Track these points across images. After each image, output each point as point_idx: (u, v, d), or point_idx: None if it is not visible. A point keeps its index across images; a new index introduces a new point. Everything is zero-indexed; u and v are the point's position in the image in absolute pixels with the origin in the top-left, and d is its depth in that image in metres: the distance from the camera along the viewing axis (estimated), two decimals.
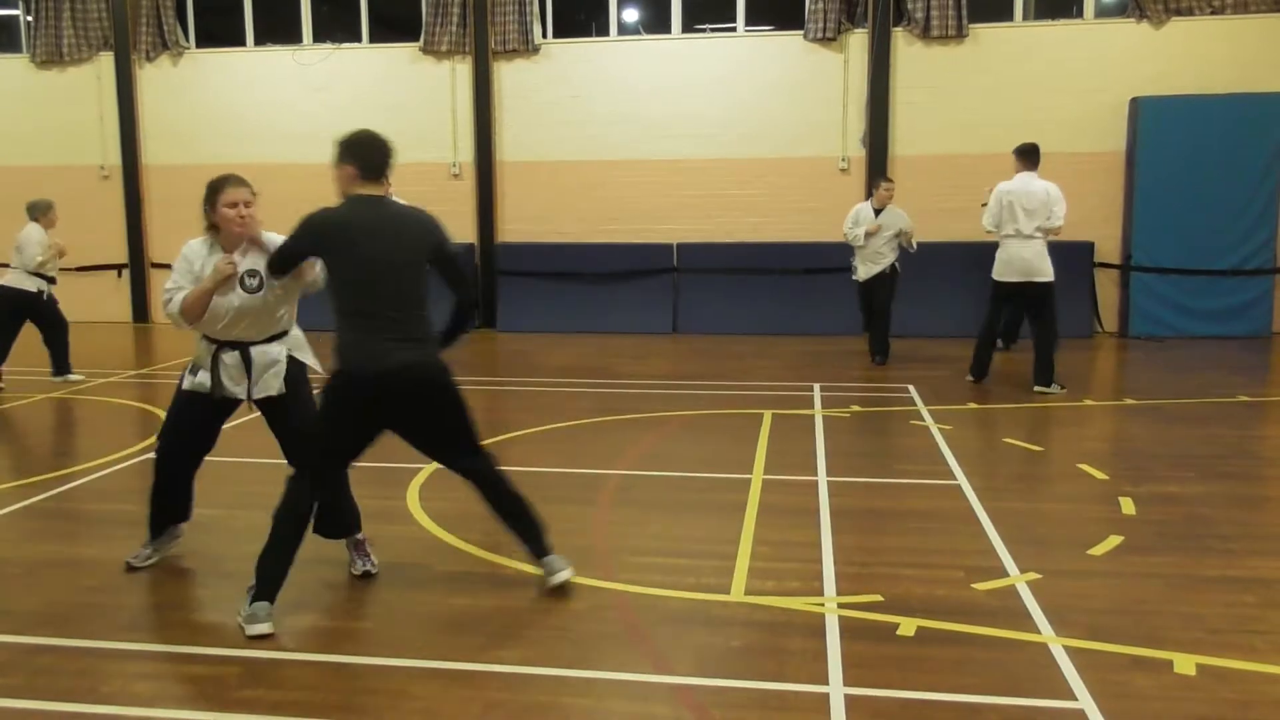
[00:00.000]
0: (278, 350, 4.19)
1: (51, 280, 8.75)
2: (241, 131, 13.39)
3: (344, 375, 3.77)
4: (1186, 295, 11.33)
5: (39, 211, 8.67)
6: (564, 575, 4.06)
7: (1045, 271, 8.11)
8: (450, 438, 4.06)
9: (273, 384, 4.18)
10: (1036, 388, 8.14)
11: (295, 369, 4.24)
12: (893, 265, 9.68)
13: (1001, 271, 8.29)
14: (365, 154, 3.83)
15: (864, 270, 9.71)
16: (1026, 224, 8.09)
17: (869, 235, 9.50)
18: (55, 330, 8.85)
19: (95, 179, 13.80)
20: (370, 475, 6.08)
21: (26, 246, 8.54)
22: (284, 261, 3.93)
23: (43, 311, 8.72)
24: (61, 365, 8.96)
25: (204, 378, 4.16)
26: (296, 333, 4.34)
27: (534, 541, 4.13)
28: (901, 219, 9.65)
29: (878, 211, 9.63)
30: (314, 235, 3.78)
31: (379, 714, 3.13)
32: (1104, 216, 11.73)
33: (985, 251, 11.77)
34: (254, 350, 4.13)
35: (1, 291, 8.59)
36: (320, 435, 3.89)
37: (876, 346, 9.77)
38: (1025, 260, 8.12)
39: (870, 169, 12.20)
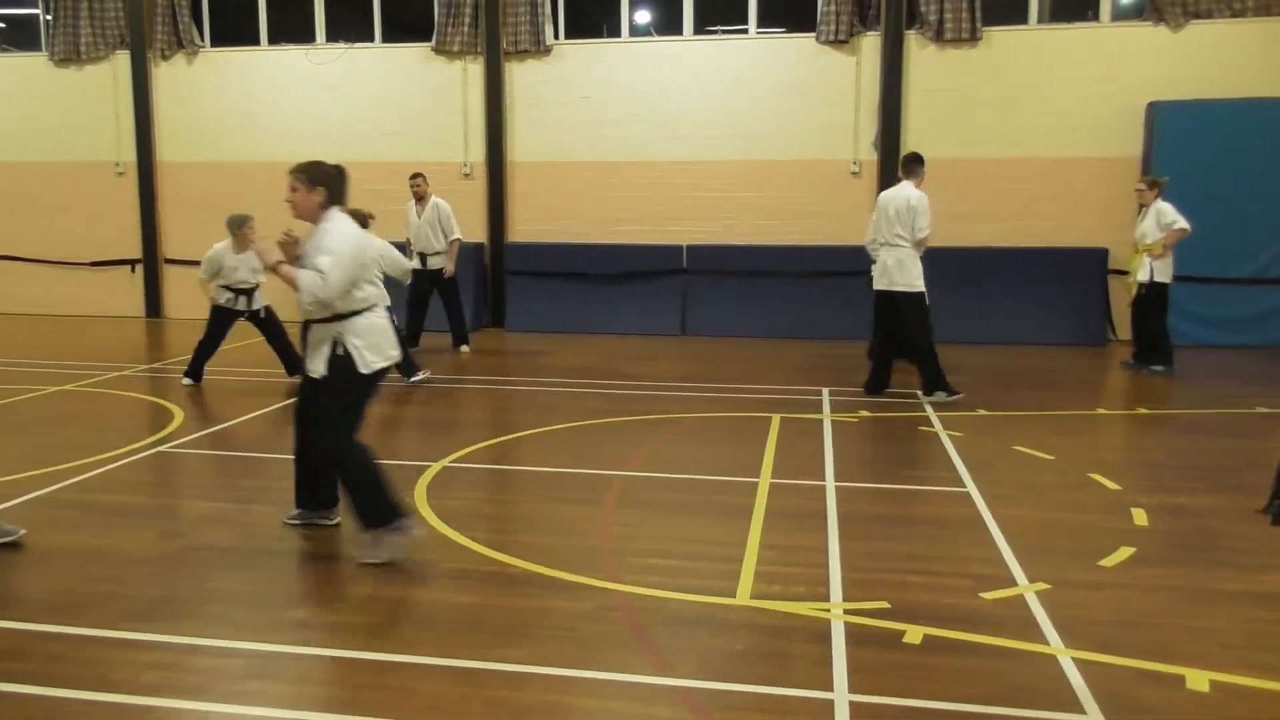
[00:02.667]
0: (324, 332, 4.41)
1: (244, 292, 8.51)
2: (255, 130, 13.45)
3: None
4: (1203, 304, 11.24)
5: (233, 227, 8.30)
6: None
7: (904, 281, 7.97)
8: None
9: (316, 365, 4.43)
10: (921, 395, 8.08)
11: (339, 358, 4.38)
12: None
13: (874, 280, 8.28)
14: None
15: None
16: (887, 231, 8.05)
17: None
18: (273, 336, 8.70)
19: (111, 175, 13.88)
20: None
21: (205, 263, 8.47)
22: None
23: (257, 322, 8.61)
24: (293, 367, 8.71)
25: None
26: (362, 321, 4.40)
27: None
28: None
29: None
30: None
31: (382, 709, 3.12)
32: (1118, 223, 11.65)
33: (997, 257, 11.81)
34: (310, 328, 4.51)
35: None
36: None
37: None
38: (886, 268, 8.07)
39: (882, 172, 12.17)
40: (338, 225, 4.42)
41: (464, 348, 10.65)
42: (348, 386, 4.40)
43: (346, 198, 4.61)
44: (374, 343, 4.42)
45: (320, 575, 4.28)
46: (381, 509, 4.38)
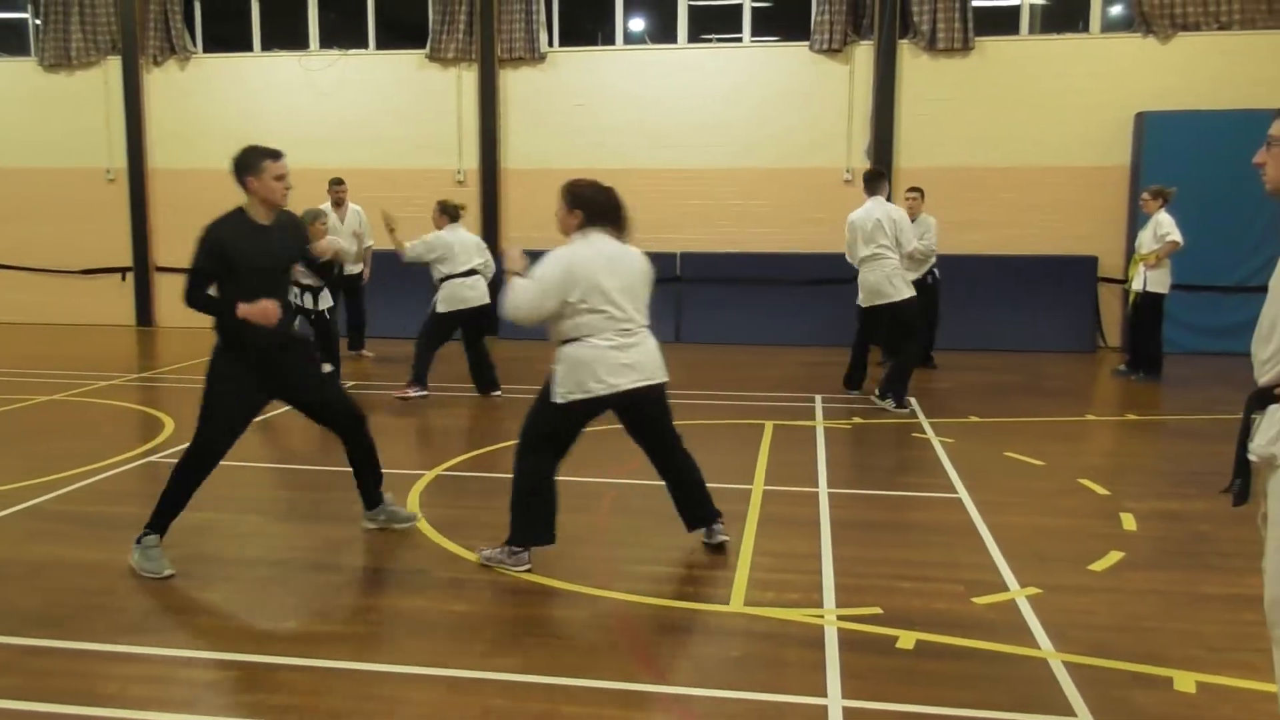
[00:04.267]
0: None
1: (308, 289, 8.40)
2: (248, 136, 13.17)
3: None
4: (1191, 311, 11.29)
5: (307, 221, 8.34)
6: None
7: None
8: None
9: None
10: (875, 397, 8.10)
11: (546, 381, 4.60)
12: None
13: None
14: None
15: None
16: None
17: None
18: (320, 341, 8.50)
19: (101, 182, 13.85)
20: None
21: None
22: None
23: (312, 323, 8.47)
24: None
25: None
26: (563, 350, 4.57)
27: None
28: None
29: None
30: None
31: None
32: (1109, 231, 11.74)
33: (988, 265, 11.86)
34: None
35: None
36: None
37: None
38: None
39: None
40: (557, 251, 4.51)
41: (365, 352, 10.73)
42: (545, 409, 4.50)
43: (615, 221, 4.67)
44: (574, 376, 4.46)
45: (313, 586, 4.28)
46: (529, 529, 4.38)
